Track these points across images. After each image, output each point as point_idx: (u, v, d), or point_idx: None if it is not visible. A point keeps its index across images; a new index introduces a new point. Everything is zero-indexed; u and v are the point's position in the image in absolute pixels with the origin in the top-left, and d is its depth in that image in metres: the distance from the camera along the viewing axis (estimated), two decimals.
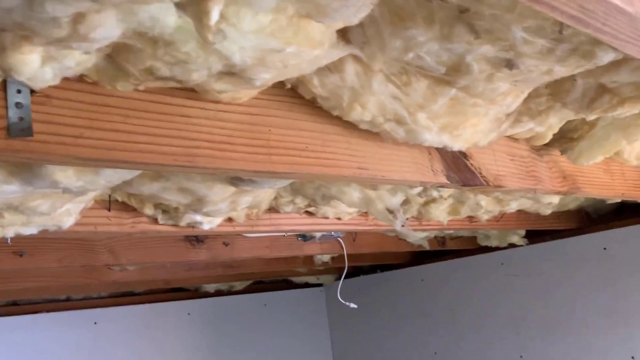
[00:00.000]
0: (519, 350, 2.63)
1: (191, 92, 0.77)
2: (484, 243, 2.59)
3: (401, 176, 1.02)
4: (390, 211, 1.35)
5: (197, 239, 1.84)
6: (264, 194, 1.28)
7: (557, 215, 2.30)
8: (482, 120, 1.01)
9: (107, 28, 0.49)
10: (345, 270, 2.33)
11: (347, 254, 2.28)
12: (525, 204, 1.81)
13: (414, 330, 3.18)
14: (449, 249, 2.66)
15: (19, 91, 0.62)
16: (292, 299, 3.59)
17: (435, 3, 0.70)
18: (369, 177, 0.96)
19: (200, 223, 1.26)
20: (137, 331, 2.89)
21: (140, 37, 0.54)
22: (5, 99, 0.62)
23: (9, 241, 1.14)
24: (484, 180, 1.19)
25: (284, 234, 2.03)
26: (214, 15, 0.46)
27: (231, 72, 0.64)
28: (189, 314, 3.09)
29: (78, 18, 0.46)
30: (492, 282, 2.76)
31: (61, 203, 0.92)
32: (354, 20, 0.64)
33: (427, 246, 2.44)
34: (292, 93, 0.89)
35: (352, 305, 2.21)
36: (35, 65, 0.52)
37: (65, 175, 0.72)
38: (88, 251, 1.59)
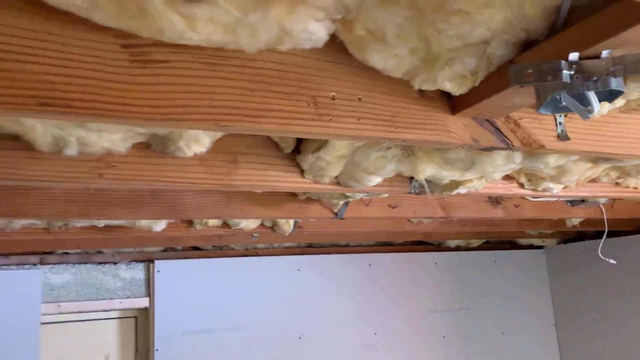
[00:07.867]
0: None
1: None
2: None
3: None
4: None
5: (496, 200, 2.35)
6: (600, 168, 1.72)
7: None
8: None
9: None
10: (605, 234, 2.68)
11: (604, 219, 2.64)
12: None
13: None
14: None
15: (560, 115, 1.14)
16: (517, 258, 4.01)
17: None
18: None
19: (551, 189, 1.74)
20: (399, 274, 3.56)
21: None
22: (555, 119, 1.14)
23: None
24: None
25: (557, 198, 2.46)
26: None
27: None
28: (435, 263, 3.68)
29: None
30: None
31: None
32: None
33: None
34: None
35: (612, 261, 2.58)
36: None
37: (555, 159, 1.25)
38: (428, 206, 2.18)
